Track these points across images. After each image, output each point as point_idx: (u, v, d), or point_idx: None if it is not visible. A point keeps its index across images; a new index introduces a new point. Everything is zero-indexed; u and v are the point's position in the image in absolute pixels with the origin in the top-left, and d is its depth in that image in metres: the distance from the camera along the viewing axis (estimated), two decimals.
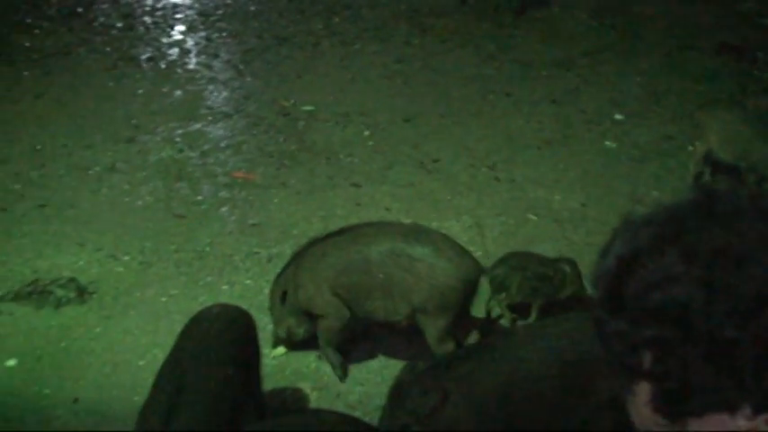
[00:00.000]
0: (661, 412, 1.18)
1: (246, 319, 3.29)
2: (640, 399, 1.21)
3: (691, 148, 5.62)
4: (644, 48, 7.61)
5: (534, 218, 5.07)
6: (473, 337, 3.86)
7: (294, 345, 4.04)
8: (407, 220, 4.88)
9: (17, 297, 4.32)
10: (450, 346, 3.76)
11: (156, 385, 3.03)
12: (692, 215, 1.19)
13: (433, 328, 3.74)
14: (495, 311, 4.20)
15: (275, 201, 5.23)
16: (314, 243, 3.91)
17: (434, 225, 4.79)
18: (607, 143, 6.00)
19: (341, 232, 3.92)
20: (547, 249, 4.74)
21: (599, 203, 5.22)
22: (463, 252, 3.77)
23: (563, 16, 8.38)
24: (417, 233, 3.83)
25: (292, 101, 6.53)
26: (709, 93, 6.57)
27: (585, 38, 7.85)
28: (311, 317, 3.92)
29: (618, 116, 6.37)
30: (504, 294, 4.13)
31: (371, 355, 4.04)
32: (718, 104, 5.44)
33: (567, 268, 4.12)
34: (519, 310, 4.19)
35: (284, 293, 3.88)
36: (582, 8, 8.50)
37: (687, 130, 5.94)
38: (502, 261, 4.19)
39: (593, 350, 1.27)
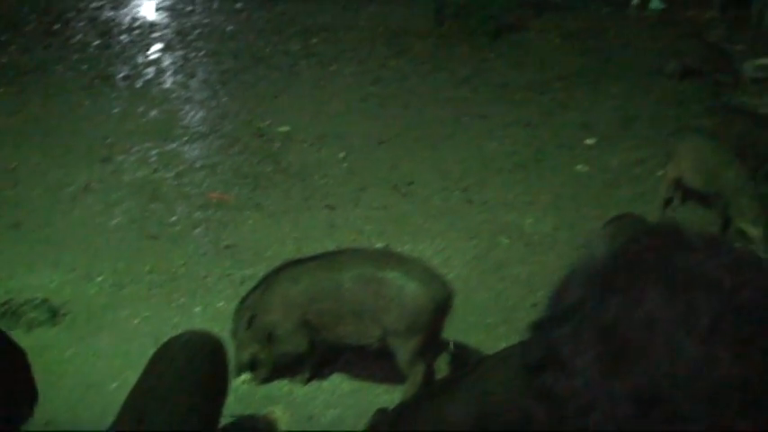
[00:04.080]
0: None
1: (216, 347, 3.31)
2: None
3: (661, 172, 5.70)
4: (615, 72, 7.72)
5: (506, 241, 5.12)
6: (444, 360, 3.90)
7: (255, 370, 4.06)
8: (380, 243, 4.92)
9: None
10: (420, 369, 3.80)
11: (119, 416, 3.03)
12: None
13: (403, 350, 3.77)
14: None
15: (249, 222, 5.26)
16: (285, 267, 3.94)
17: (407, 248, 4.84)
18: (579, 167, 6.07)
19: (312, 258, 3.97)
20: (518, 272, 4.79)
21: (570, 227, 5.27)
22: (433, 275, 3.83)
23: (537, 40, 8.49)
24: (387, 258, 3.91)
25: (268, 122, 6.56)
26: (678, 117, 6.65)
27: (559, 62, 7.94)
28: (271, 341, 3.96)
29: (589, 140, 6.45)
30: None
31: (343, 379, 4.07)
32: (689, 131, 5.51)
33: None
34: None
35: (252, 317, 3.90)
36: (556, 33, 8.61)
37: (658, 155, 6.02)
38: None
39: None
